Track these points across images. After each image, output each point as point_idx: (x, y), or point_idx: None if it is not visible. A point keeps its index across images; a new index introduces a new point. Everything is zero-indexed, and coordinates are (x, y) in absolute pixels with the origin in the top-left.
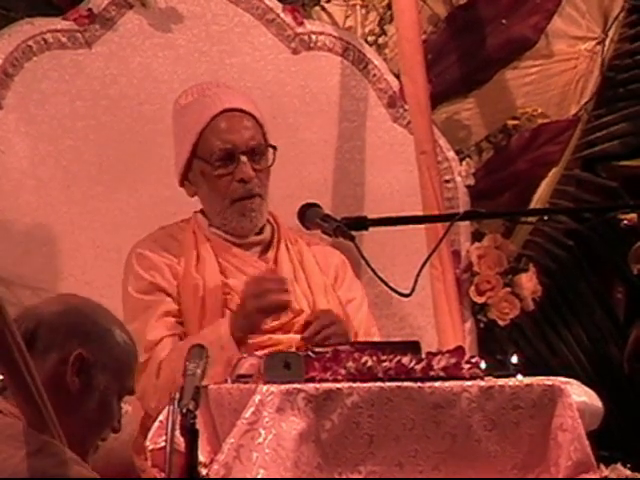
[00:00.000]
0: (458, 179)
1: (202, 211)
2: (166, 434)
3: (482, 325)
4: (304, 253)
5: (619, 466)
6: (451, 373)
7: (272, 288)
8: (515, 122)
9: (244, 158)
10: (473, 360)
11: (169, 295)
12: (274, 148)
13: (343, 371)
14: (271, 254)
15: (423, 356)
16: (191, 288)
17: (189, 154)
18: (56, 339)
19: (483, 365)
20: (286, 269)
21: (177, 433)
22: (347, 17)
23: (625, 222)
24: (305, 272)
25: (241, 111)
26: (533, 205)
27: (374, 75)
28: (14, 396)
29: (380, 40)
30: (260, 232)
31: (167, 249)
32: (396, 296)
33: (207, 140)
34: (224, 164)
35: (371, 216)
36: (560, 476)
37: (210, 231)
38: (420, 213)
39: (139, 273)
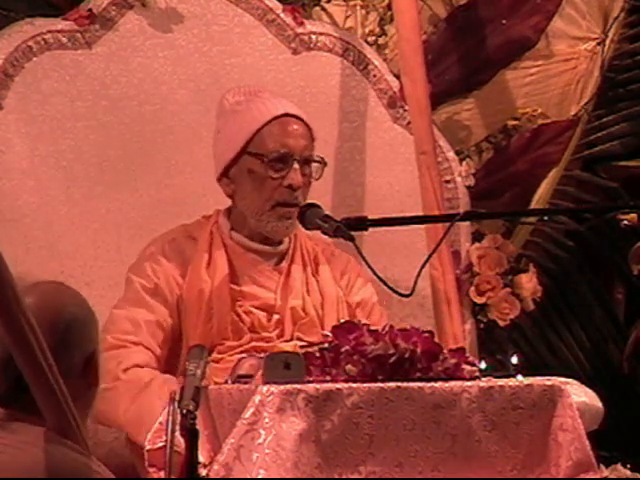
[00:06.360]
0: (458, 179)
1: (228, 212)
2: (166, 434)
3: (482, 325)
4: (320, 265)
5: (619, 466)
6: (451, 373)
7: None
8: (515, 122)
9: (296, 165)
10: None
11: (167, 305)
12: (325, 164)
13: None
14: (285, 264)
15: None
16: (196, 291)
17: (239, 150)
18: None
19: (483, 365)
20: (298, 280)
21: (177, 434)
22: (347, 17)
23: (625, 222)
24: (319, 284)
25: (300, 119)
26: (533, 206)
27: (374, 75)
28: (36, 398)
29: (380, 40)
30: (280, 242)
31: (181, 252)
32: (396, 296)
33: (264, 139)
34: (277, 167)
35: (371, 216)
36: (560, 476)
37: (230, 235)
38: (420, 213)
39: (147, 273)
